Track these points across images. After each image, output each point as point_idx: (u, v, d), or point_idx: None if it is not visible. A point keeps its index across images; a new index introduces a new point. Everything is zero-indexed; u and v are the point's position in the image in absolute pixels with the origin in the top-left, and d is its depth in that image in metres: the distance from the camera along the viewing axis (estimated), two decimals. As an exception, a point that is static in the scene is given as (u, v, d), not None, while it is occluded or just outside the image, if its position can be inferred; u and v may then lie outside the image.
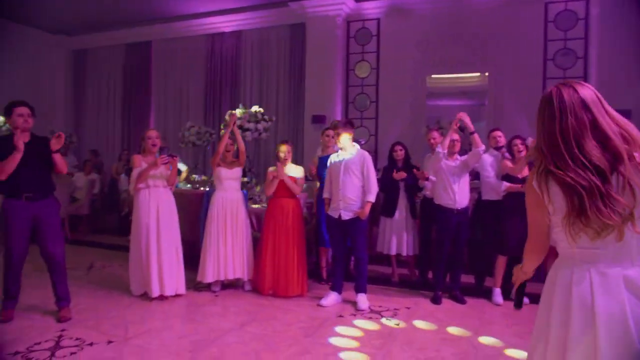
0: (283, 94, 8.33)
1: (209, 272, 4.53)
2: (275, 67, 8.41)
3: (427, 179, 4.80)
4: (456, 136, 4.48)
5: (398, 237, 4.96)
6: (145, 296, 4.36)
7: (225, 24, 8.75)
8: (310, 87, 7.55)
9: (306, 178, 5.08)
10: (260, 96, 8.48)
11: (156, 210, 4.30)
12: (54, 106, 10.30)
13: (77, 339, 3.34)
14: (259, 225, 5.00)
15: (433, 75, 7.18)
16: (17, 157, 3.45)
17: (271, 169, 4.63)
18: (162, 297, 4.29)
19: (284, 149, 4.56)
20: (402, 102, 7.29)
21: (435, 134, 4.92)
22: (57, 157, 3.68)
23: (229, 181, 4.68)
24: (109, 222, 7.79)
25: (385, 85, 7.46)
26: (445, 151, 4.41)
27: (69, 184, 7.29)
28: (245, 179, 5.61)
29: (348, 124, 4.50)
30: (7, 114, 3.60)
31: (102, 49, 10.24)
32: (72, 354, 3.09)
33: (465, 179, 4.49)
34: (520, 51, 6.57)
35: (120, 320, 3.77)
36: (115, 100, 10.13)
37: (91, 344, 3.24)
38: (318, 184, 5.10)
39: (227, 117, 5.43)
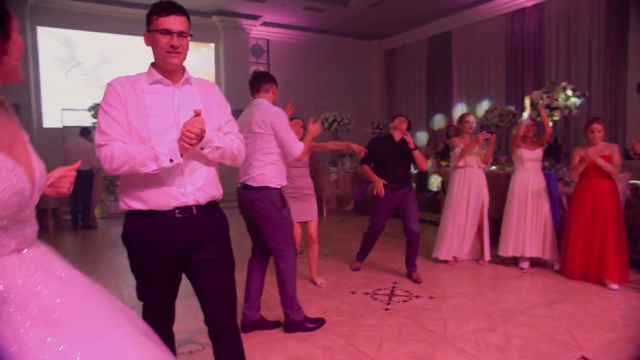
0: (597, 64, 7.48)
1: (509, 247, 4.77)
2: (587, 36, 7.63)
3: None
4: None
5: None
6: (454, 262, 5.01)
7: (527, -2, 8.47)
8: (637, 49, 6.54)
9: (627, 156, 4.57)
10: (569, 70, 7.87)
11: (468, 188, 4.85)
12: (371, 100, 12.27)
13: (406, 291, 4.17)
14: (569, 206, 4.85)
15: None
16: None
17: (578, 148, 4.41)
18: (455, 260, 5.00)
19: (594, 128, 4.26)
20: None
21: None
22: (417, 154, 4.39)
23: (530, 162, 4.74)
24: (419, 200, 8.80)
25: None
26: None
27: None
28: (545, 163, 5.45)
29: None
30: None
31: (407, 46, 11.51)
32: (403, 301, 3.91)
33: None
34: None
35: (438, 281, 4.45)
36: (420, 89, 11.25)
37: (417, 297, 4.00)
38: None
39: (526, 101, 5.41)
